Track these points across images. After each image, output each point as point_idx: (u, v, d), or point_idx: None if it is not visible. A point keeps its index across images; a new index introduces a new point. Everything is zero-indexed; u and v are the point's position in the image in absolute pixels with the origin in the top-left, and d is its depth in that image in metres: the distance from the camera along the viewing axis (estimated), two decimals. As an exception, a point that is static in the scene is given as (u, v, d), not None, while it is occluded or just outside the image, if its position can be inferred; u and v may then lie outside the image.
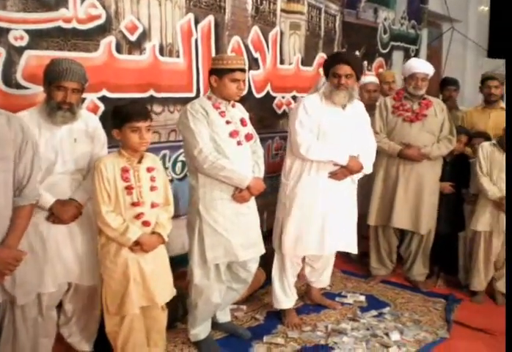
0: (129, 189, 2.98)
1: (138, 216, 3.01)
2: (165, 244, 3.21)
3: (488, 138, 4.76)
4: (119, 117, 2.97)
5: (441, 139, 4.62)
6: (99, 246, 3.10)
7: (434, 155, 4.59)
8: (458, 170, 4.77)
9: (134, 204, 3.00)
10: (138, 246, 2.99)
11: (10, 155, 2.58)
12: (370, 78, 5.42)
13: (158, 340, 3.35)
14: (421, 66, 4.64)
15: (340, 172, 3.81)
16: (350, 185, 4.00)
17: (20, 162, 2.62)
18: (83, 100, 3.42)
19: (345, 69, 3.77)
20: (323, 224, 3.87)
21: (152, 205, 3.07)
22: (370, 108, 5.02)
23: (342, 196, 3.94)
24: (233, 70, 3.42)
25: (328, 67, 3.89)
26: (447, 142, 4.61)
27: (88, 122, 3.20)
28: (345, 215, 3.99)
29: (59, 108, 2.96)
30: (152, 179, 3.09)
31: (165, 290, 3.18)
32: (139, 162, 3.06)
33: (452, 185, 4.75)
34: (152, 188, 3.08)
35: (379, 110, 4.73)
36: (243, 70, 3.50)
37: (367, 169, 4.00)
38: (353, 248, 4.10)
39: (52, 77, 2.94)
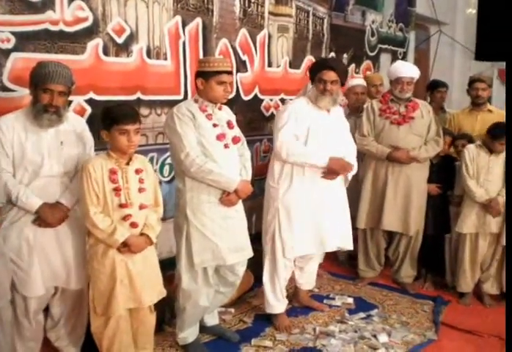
0: (117, 190, 2.98)
1: (125, 218, 3.01)
2: (154, 245, 3.21)
3: (471, 140, 4.78)
4: (108, 119, 2.97)
5: (428, 141, 4.64)
6: (87, 247, 3.10)
7: (422, 158, 4.60)
8: (444, 172, 4.78)
9: (122, 206, 2.99)
10: (126, 247, 2.99)
11: None
12: (357, 80, 5.45)
13: (146, 343, 3.34)
14: (407, 70, 4.65)
15: (327, 173, 3.88)
16: (341, 184, 4.08)
17: None
18: (70, 102, 3.40)
19: (330, 75, 3.86)
20: (320, 222, 3.94)
21: (141, 207, 3.07)
22: (357, 110, 5.07)
23: (335, 195, 4.02)
24: (220, 73, 3.42)
25: (315, 72, 3.96)
26: (435, 144, 4.63)
27: (75, 124, 3.19)
28: (340, 212, 4.07)
29: (45, 111, 2.95)
30: (141, 180, 3.08)
31: (153, 291, 3.17)
32: (128, 163, 3.05)
33: (438, 187, 4.77)
34: (141, 190, 3.07)
35: (366, 113, 4.74)
36: (229, 73, 3.51)
37: (356, 168, 4.09)
38: (349, 245, 4.17)
39: (38, 80, 2.93)
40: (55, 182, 3.07)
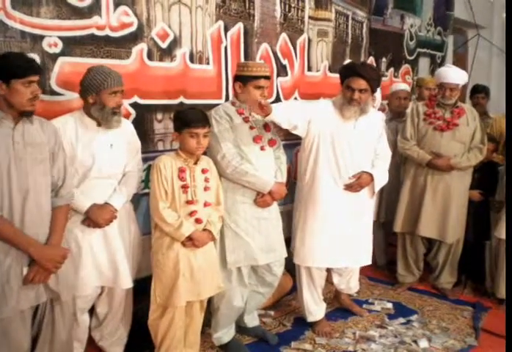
0: (185, 188, 3.14)
1: (191, 214, 3.17)
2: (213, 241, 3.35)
3: None
4: (180, 122, 3.15)
5: (471, 149, 4.56)
6: (153, 240, 3.23)
7: (463, 166, 4.54)
8: (486, 178, 4.74)
9: (188, 202, 3.16)
10: (190, 241, 3.13)
11: (47, 157, 2.70)
12: (401, 85, 5.43)
13: (193, 343, 3.44)
14: (451, 76, 4.50)
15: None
16: (367, 198, 3.94)
17: (54, 164, 2.75)
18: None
19: (359, 83, 3.62)
20: (337, 235, 3.81)
21: (205, 204, 3.22)
22: (400, 115, 5.03)
23: (358, 208, 3.88)
24: (257, 77, 3.48)
25: (343, 78, 3.76)
26: (478, 152, 4.55)
27: (124, 127, 3.25)
28: (362, 227, 3.95)
29: (113, 113, 3.05)
30: (206, 180, 3.25)
31: (211, 285, 3.30)
32: (195, 163, 3.21)
33: (480, 193, 4.73)
34: (206, 189, 3.23)
35: (411, 116, 4.67)
36: (267, 78, 3.54)
37: (382, 181, 3.93)
38: (368, 261, 4.08)
39: (100, 84, 3.00)
40: (103, 183, 3.14)
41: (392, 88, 5.33)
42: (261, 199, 3.56)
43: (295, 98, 5.00)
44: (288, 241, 4.01)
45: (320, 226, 3.82)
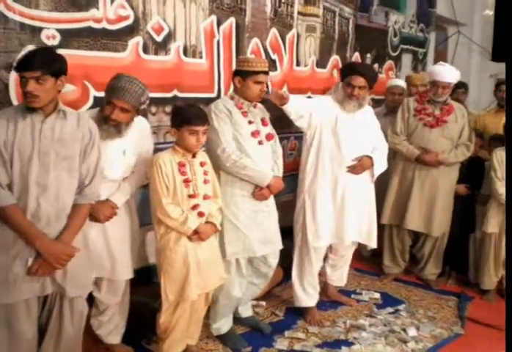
0: (186, 182, 3.14)
1: (194, 207, 3.17)
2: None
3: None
4: (180, 119, 3.12)
5: (459, 145, 4.67)
6: (158, 237, 3.22)
7: (451, 162, 4.66)
8: (473, 172, 4.85)
9: (191, 196, 3.16)
10: (195, 234, 3.14)
11: (76, 154, 2.69)
12: (397, 81, 5.60)
13: (194, 332, 3.47)
14: (443, 74, 4.60)
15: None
16: (368, 181, 4.12)
17: (84, 162, 2.73)
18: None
19: (359, 80, 3.90)
20: (342, 214, 4.00)
21: (205, 197, 3.22)
22: (394, 110, 5.09)
23: (360, 190, 4.06)
24: (257, 73, 3.54)
25: (344, 75, 4.03)
26: (465, 149, 4.66)
27: (141, 129, 3.29)
28: (365, 208, 4.12)
29: (105, 122, 3.03)
30: (205, 173, 3.26)
31: (216, 276, 3.32)
32: (193, 157, 3.21)
33: (467, 187, 4.84)
34: (205, 181, 3.24)
35: (401, 111, 4.78)
36: (266, 73, 3.61)
37: (382, 167, 4.12)
38: (372, 242, 4.20)
39: (107, 91, 3.06)
40: (111, 185, 3.19)
41: (388, 84, 5.49)
42: (259, 193, 3.63)
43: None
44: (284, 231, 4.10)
45: (326, 208, 3.99)
